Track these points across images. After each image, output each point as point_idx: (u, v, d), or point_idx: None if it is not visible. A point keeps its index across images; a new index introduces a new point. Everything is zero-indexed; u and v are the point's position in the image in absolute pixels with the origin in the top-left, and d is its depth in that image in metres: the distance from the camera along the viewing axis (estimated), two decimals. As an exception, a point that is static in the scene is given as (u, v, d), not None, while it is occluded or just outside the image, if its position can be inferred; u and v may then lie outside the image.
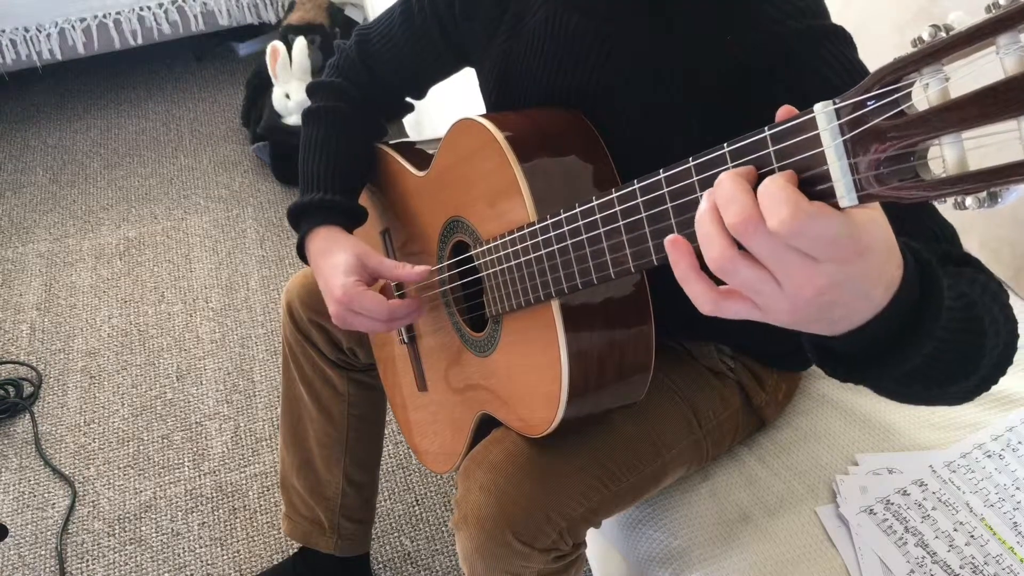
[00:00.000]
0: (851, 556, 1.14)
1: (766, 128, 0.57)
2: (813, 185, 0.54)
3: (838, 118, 0.52)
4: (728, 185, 0.58)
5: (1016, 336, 0.82)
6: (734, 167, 0.60)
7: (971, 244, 1.56)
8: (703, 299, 0.63)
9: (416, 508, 1.95)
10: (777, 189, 0.55)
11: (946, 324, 0.68)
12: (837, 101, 0.52)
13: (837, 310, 0.61)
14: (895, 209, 0.58)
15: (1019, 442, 1.23)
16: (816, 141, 0.53)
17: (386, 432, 1.71)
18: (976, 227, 1.54)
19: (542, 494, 1.10)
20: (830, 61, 0.90)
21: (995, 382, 0.81)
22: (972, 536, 1.13)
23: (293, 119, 2.85)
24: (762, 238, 0.57)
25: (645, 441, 1.17)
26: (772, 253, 0.57)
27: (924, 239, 0.85)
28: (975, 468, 1.21)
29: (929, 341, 0.67)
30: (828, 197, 0.54)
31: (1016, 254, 1.47)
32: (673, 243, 0.64)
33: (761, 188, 0.56)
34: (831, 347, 0.68)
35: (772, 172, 0.57)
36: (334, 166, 1.28)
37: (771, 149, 0.57)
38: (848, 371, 0.72)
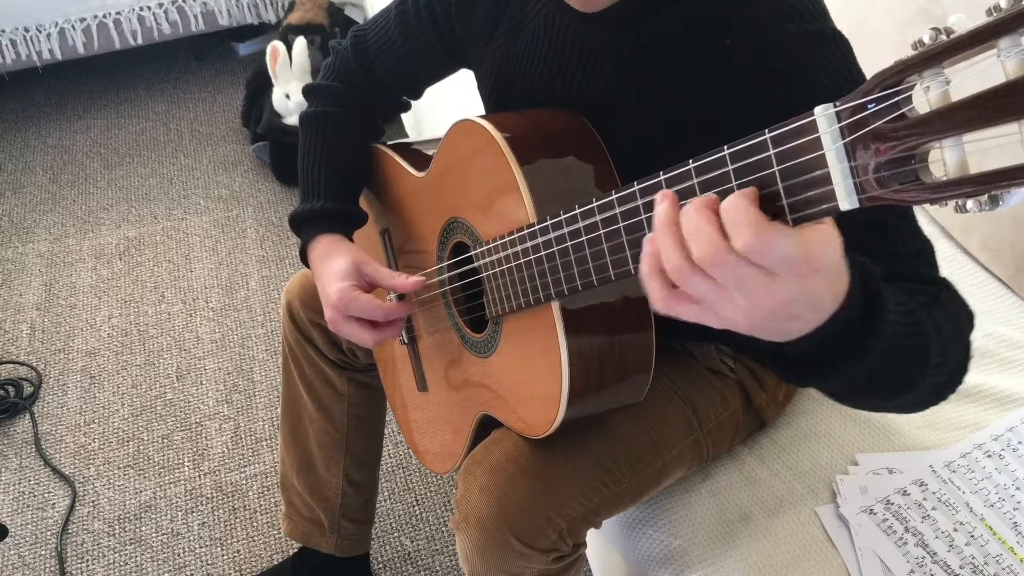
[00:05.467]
0: (851, 556, 1.14)
1: (766, 131, 0.57)
2: (814, 188, 0.54)
3: (839, 121, 0.52)
4: (696, 219, 0.61)
5: (966, 359, 0.87)
6: (734, 170, 0.60)
7: (971, 244, 1.56)
8: (656, 297, 0.67)
9: (416, 508, 1.95)
10: (740, 211, 0.58)
11: (888, 336, 0.72)
12: (838, 104, 0.52)
13: (788, 323, 0.65)
14: (872, 226, 0.63)
15: (1019, 442, 1.23)
16: (817, 144, 0.53)
17: (386, 432, 1.71)
18: (977, 227, 1.54)
19: (542, 494, 1.10)
20: (828, 67, 0.91)
21: (943, 398, 0.87)
22: (972, 536, 1.13)
23: (293, 119, 2.84)
24: (728, 269, 0.60)
25: (645, 441, 1.17)
26: (735, 277, 0.60)
27: (901, 257, 0.90)
28: (975, 468, 1.21)
29: (868, 353, 0.72)
30: (829, 200, 0.54)
31: (1016, 254, 1.46)
32: (647, 240, 0.67)
33: (724, 208, 0.59)
34: (782, 351, 0.72)
35: (772, 175, 0.57)
36: (333, 172, 1.29)
37: (772, 152, 0.57)
38: (796, 375, 0.77)
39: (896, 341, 0.74)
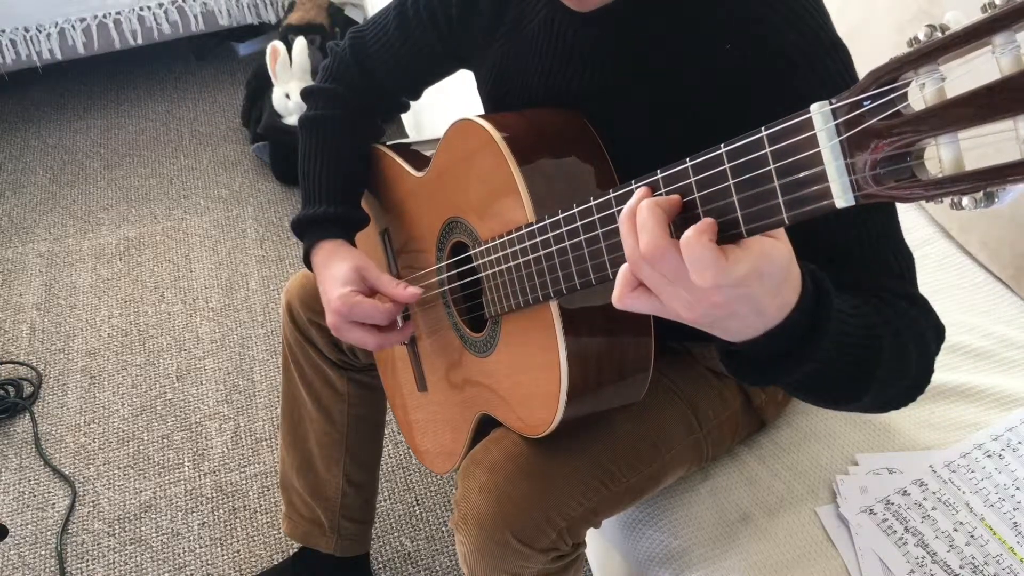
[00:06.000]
0: (851, 556, 1.13)
1: (763, 128, 0.57)
2: (810, 185, 0.54)
3: (834, 118, 0.52)
4: (644, 214, 0.67)
5: (927, 374, 0.90)
6: (731, 168, 0.59)
7: (971, 244, 1.56)
8: (616, 290, 0.71)
9: (416, 508, 1.95)
10: (704, 252, 0.63)
11: (836, 347, 0.75)
12: (834, 101, 0.52)
13: (731, 322, 0.69)
14: (852, 238, 0.66)
15: (1019, 442, 1.23)
16: (813, 141, 0.53)
17: (386, 432, 1.71)
18: (976, 227, 1.54)
19: (542, 494, 1.10)
20: (827, 73, 0.91)
21: (896, 407, 0.91)
22: (972, 536, 1.13)
23: (293, 119, 2.84)
24: (668, 265, 0.65)
25: (645, 441, 1.17)
26: (675, 273, 0.66)
27: (878, 271, 0.92)
28: (975, 468, 1.20)
29: (811, 362, 0.74)
30: (824, 197, 0.53)
31: (1016, 254, 1.46)
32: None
33: (686, 248, 0.63)
34: (733, 351, 0.75)
35: (769, 173, 0.57)
36: (334, 176, 1.30)
37: (768, 149, 0.56)
38: (746, 375, 0.79)
39: (842, 354, 0.77)
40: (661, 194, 0.68)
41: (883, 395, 0.87)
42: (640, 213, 0.67)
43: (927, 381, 0.90)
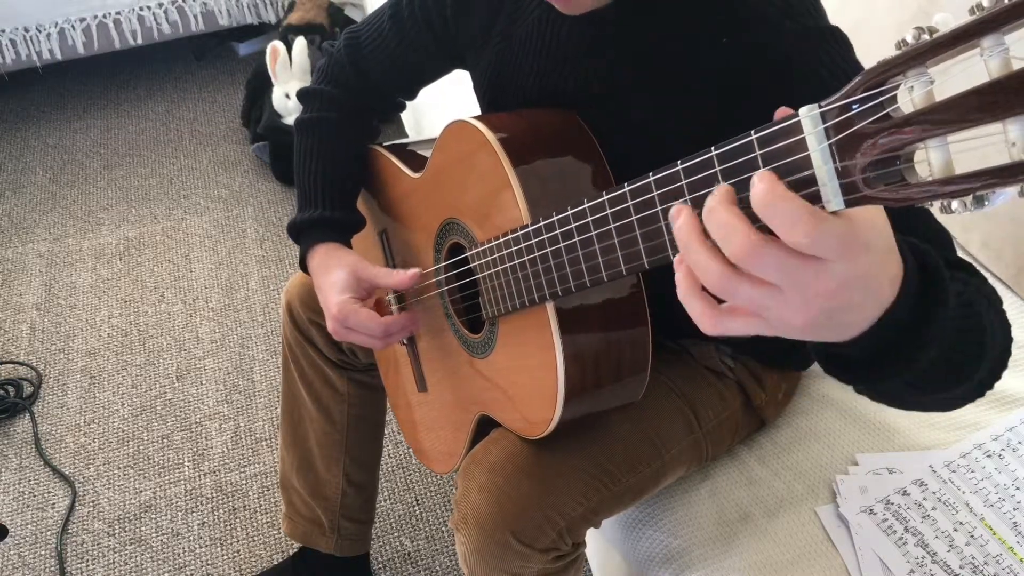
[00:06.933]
0: (851, 556, 1.13)
1: (752, 132, 0.56)
2: (800, 189, 0.54)
3: (823, 121, 0.51)
4: (724, 216, 0.56)
5: (1010, 341, 0.81)
6: (721, 171, 0.59)
7: (972, 244, 1.55)
8: (703, 319, 0.61)
9: (416, 508, 1.95)
10: (786, 204, 0.53)
11: (950, 320, 0.66)
12: (823, 104, 0.52)
13: (847, 314, 0.59)
14: (890, 213, 0.57)
15: (1019, 442, 1.22)
16: (802, 145, 0.53)
17: (386, 432, 1.71)
18: (977, 227, 1.54)
19: (541, 494, 1.10)
20: (828, 64, 0.90)
21: (990, 387, 0.81)
22: (972, 536, 1.12)
23: (293, 119, 2.84)
24: (771, 260, 0.55)
25: (645, 441, 1.17)
26: (780, 269, 0.55)
27: (930, 241, 0.84)
28: (975, 468, 1.20)
29: (934, 341, 0.65)
30: (815, 201, 0.53)
31: (1017, 254, 1.46)
32: (676, 262, 0.62)
33: (765, 203, 0.54)
34: (841, 353, 0.66)
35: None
36: (330, 179, 1.30)
37: (758, 153, 0.56)
38: (858, 377, 0.70)
39: (956, 324, 0.68)
40: (655, 198, 0.68)
41: (989, 365, 0.78)
42: (717, 218, 0.57)
43: (1010, 351, 0.81)
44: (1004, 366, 0.80)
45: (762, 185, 0.54)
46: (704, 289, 0.60)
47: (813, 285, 0.55)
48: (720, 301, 0.61)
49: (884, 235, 0.57)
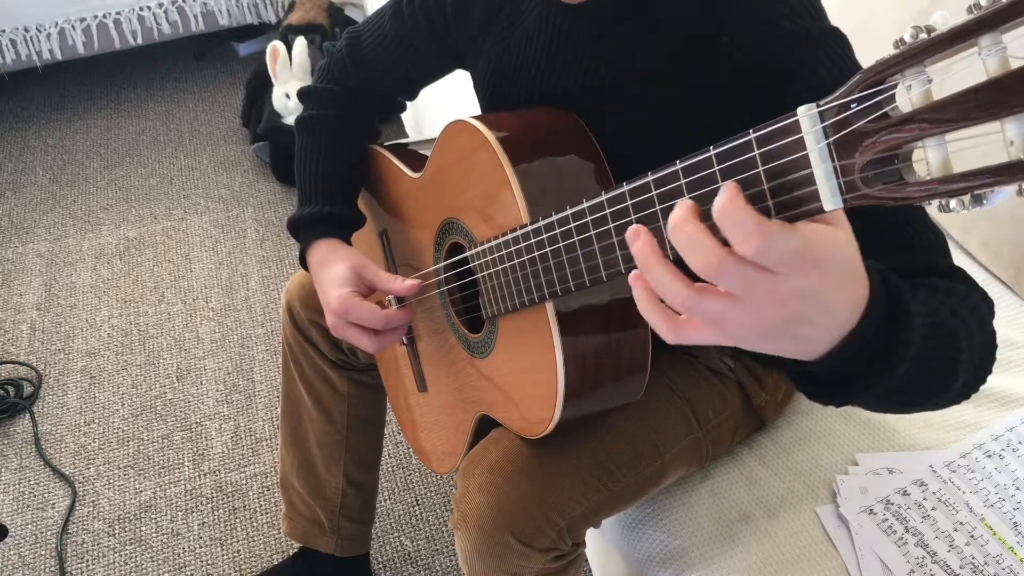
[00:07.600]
0: (851, 556, 1.13)
1: (751, 131, 0.56)
2: (798, 188, 0.54)
3: (821, 121, 0.51)
4: (690, 229, 0.59)
5: (992, 351, 0.84)
6: (720, 171, 0.59)
7: (971, 244, 1.55)
8: (663, 330, 0.64)
9: (416, 508, 1.95)
10: (739, 216, 0.56)
11: (918, 344, 0.69)
12: (821, 104, 0.52)
13: (803, 327, 0.61)
14: (885, 221, 0.59)
15: (1019, 442, 1.22)
16: (800, 144, 0.53)
17: (386, 432, 1.71)
18: (977, 227, 1.53)
19: (541, 494, 1.10)
20: (828, 64, 0.90)
21: (975, 390, 0.84)
22: (972, 536, 1.12)
23: (293, 119, 2.84)
24: (735, 271, 0.57)
25: (645, 441, 1.17)
26: (741, 279, 0.58)
27: (912, 250, 0.87)
28: (975, 468, 1.20)
29: (901, 363, 0.68)
30: (813, 200, 0.53)
31: (1017, 254, 1.46)
32: (633, 279, 0.65)
33: (722, 216, 0.56)
34: (809, 372, 0.69)
35: (758, 176, 0.56)
36: (330, 176, 1.29)
37: (757, 152, 0.56)
38: (827, 395, 0.73)
39: (925, 347, 0.70)
40: (654, 197, 0.68)
41: (966, 377, 0.80)
42: (682, 233, 0.59)
43: (994, 358, 0.85)
44: (987, 372, 0.84)
45: (721, 197, 0.56)
46: (660, 305, 0.64)
47: (767, 296, 0.58)
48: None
49: (846, 258, 0.59)
